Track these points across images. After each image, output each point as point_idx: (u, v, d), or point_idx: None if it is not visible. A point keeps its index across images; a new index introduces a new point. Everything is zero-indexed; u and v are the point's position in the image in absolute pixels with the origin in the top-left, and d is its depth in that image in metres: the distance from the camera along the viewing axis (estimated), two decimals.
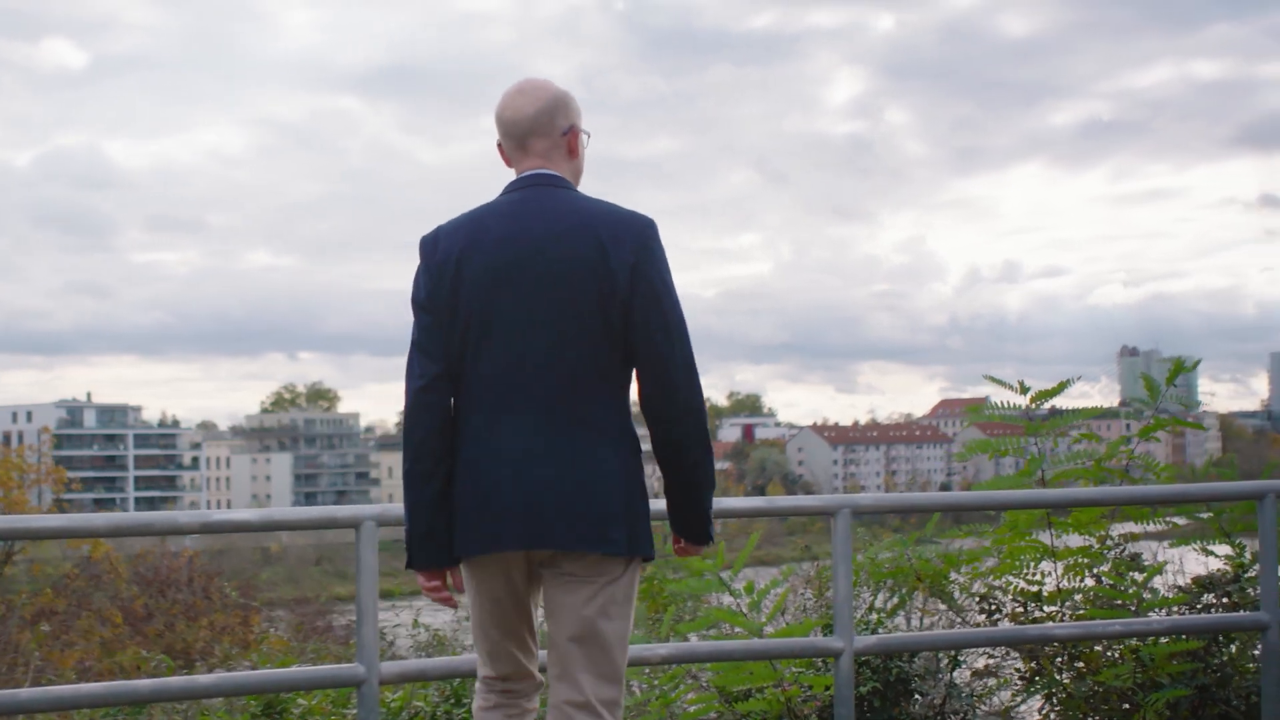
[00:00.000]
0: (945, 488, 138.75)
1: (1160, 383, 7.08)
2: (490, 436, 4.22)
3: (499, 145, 4.47)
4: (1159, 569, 6.84)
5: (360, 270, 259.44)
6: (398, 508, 4.96)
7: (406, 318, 4.33)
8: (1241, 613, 6.56)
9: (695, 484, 4.34)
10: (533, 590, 4.35)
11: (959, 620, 7.21)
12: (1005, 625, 6.69)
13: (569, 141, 4.41)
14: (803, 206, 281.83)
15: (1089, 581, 6.77)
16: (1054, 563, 6.78)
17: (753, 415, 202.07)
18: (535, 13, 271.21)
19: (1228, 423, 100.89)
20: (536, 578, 4.31)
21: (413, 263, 4.33)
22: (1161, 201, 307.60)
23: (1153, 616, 6.56)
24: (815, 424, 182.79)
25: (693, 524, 4.40)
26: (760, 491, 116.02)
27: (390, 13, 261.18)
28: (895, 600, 7.05)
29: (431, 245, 4.34)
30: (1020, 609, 6.82)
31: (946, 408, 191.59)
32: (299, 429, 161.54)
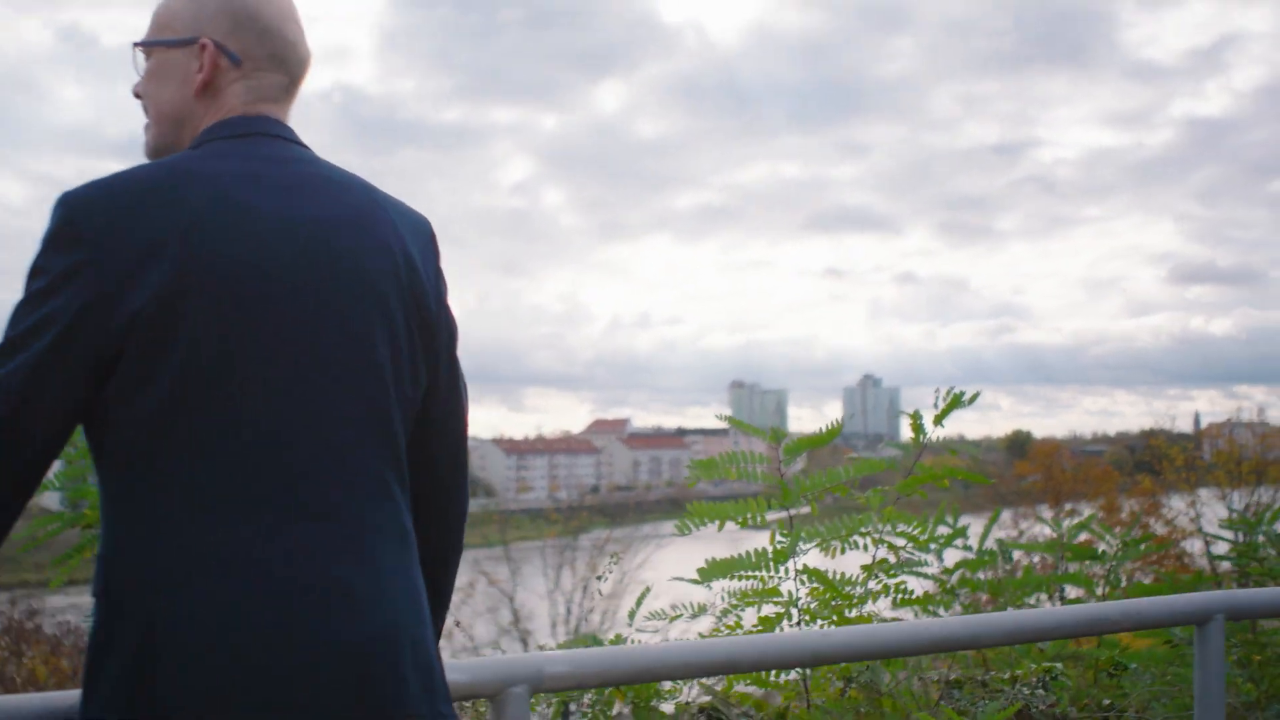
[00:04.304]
0: (595, 490, 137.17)
1: (925, 422, 4.21)
2: (265, 557, 1.75)
3: (212, 55, 1.96)
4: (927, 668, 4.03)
5: None
6: None
7: None
8: None
9: (450, 591, 2.24)
10: None
11: None
12: None
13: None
14: (480, 265, 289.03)
15: (836, 684, 3.96)
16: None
17: None
18: None
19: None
20: None
21: None
22: (757, 270, 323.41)
23: None
24: (496, 438, 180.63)
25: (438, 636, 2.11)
26: None
27: None
28: None
29: (103, 213, 1.76)
30: None
31: (598, 426, 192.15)
32: None
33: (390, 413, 1.90)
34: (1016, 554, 5.62)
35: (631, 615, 3.91)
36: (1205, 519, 29.66)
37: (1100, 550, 5.14)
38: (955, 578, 4.97)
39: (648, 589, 3.99)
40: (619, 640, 3.86)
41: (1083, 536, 5.43)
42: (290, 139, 1.99)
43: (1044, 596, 5.32)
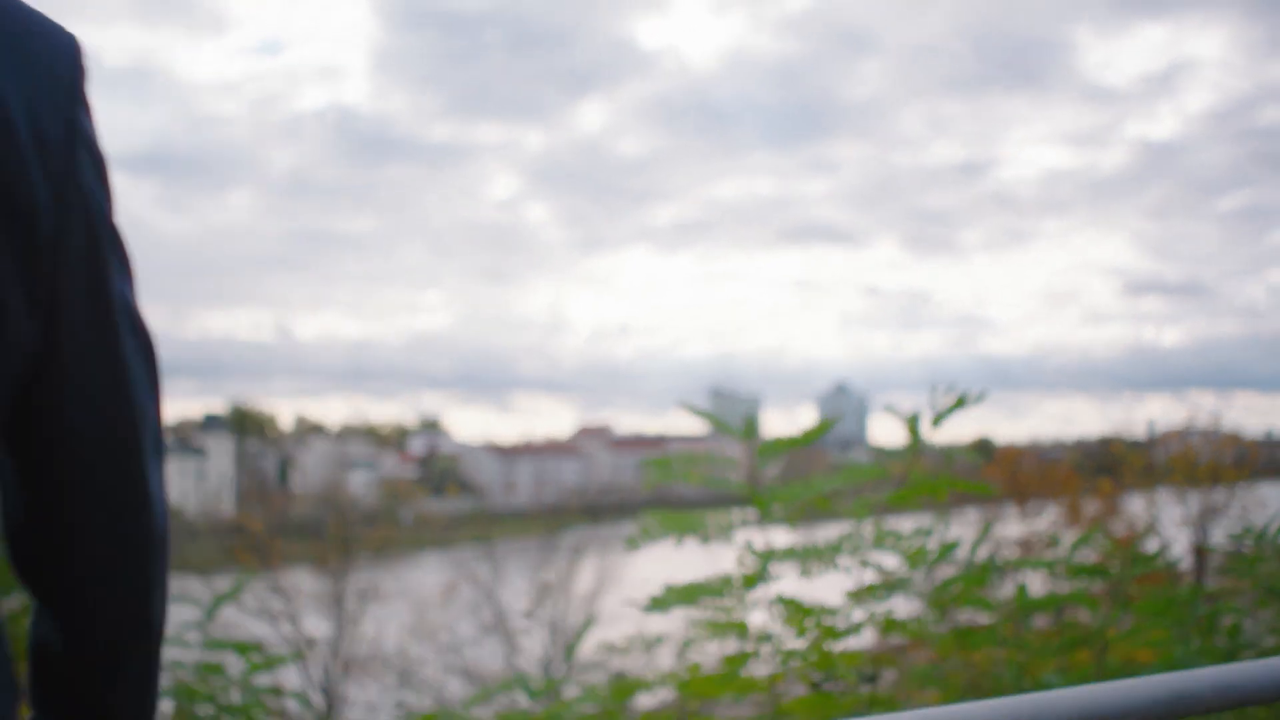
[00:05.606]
0: (580, 492, 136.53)
1: (920, 425, 3.44)
2: None
3: None
4: None
5: None
6: None
7: None
8: None
9: (142, 702, 1.04)
10: None
11: None
12: None
13: None
14: (467, 275, 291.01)
15: None
16: None
17: (437, 433, 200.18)
18: (267, 117, 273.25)
19: None
20: None
21: None
22: (732, 281, 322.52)
23: None
24: (485, 444, 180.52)
25: None
26: (440, 492, 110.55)
27: (149, 110, 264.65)
28: None
29: None
30: None
31: (585, 433, 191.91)
32: None
33: None
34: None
35: (569, 652, 3.12)
36: (1161, 520, 29.36)
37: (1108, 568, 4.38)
38: (945, 594, 4.23)
39: (590, 621, 3.22)
40: (551, 684, 3.08)
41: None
42: None
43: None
